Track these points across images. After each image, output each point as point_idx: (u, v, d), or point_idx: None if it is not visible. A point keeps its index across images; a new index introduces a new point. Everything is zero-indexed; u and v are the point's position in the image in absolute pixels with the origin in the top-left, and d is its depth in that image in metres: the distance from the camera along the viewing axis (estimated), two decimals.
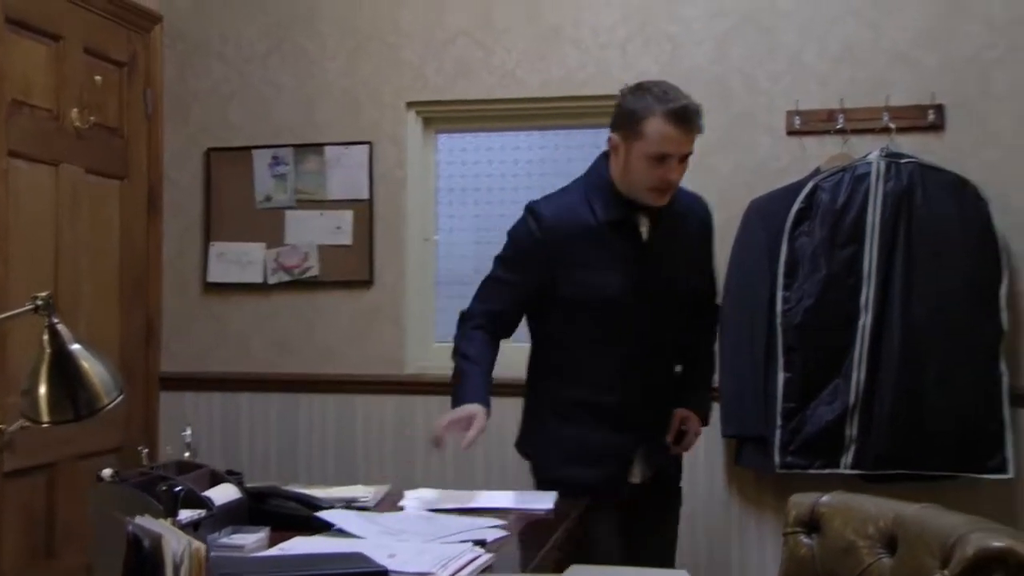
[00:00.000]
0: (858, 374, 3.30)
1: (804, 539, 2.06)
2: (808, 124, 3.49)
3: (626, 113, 2.56)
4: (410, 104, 3.86)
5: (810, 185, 3.37)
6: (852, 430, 3.29)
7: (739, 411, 3.45)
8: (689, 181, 3.49)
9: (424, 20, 3.83)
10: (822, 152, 3.47)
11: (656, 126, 2.49)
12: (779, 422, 3.35)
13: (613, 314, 2.62)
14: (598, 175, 2.68)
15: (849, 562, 1.96)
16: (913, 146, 3.37)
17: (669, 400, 2.79)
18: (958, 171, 3.29)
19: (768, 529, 3.52)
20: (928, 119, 3.39)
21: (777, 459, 3.35)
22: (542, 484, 2.70)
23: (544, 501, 2.55)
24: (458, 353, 2.69)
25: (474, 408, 2.53)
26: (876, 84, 3.44)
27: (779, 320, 3.37)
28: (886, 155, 3.33)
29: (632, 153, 2.55)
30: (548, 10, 3.74)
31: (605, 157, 2.69)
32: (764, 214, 3.46)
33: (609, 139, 2.63)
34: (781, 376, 3.37)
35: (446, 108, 3.87)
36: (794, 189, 3.41)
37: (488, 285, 2.76)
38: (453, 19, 3.81)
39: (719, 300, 3.01)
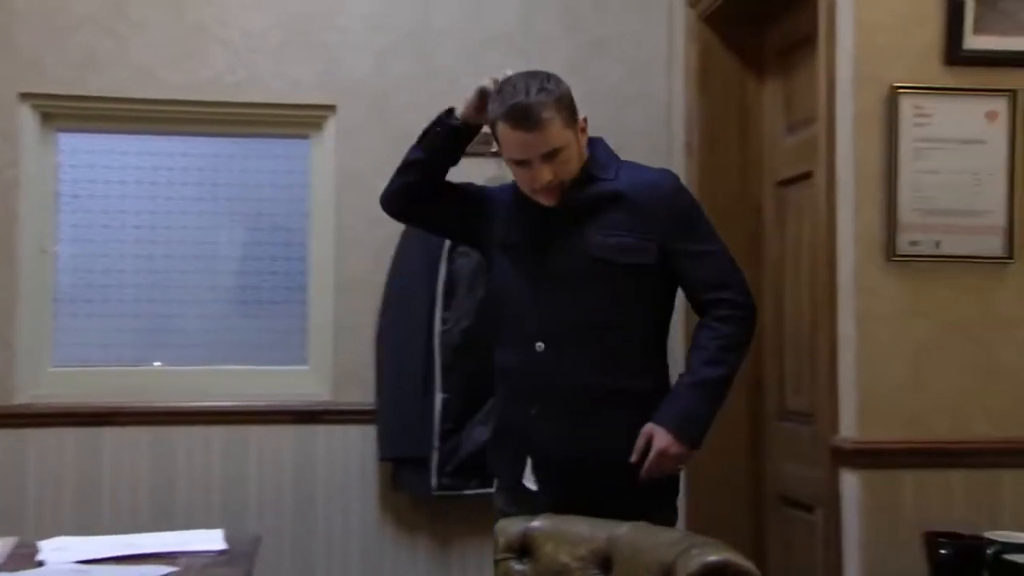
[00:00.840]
0: None
1: (516, 565, 2.04)
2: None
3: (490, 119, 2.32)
4: (24, 96, 3.41)
5: None
6: None
7: (397, 432, 3.39)
8: (349, 198, 3.43)
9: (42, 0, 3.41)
10: (479, 172, 3.50)
11: (502, 132, 2.26)
12: (436, 443, 3.34)
13: (512, 267, 2.37)
14: None
15: None
16: None
17: (607, 404, 2.26)
18: None
19: (423, 554, 3.48)
20: None
21: (434, 481, 3.33)
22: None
23: (213, 541, 2.34)
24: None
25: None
26: None
27: (437, 340, 3.36)
28: None
29: (505, 162, 2.35)
30: (192, 5, 3.47)
31: None
32: (423, 233, 3.43)
33: None
34: (439, 397, 3.35)
35: (69, 104, 3.46)
36: None
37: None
38: (78, 2, 3.42)
39: (723, 295, 2.28)
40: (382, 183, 3.44)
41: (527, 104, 2.20)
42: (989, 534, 2.19)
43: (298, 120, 3.56)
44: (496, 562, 2.05)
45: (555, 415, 2.26)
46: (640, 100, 3.60)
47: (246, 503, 3.41)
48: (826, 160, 2.44)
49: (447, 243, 3.38)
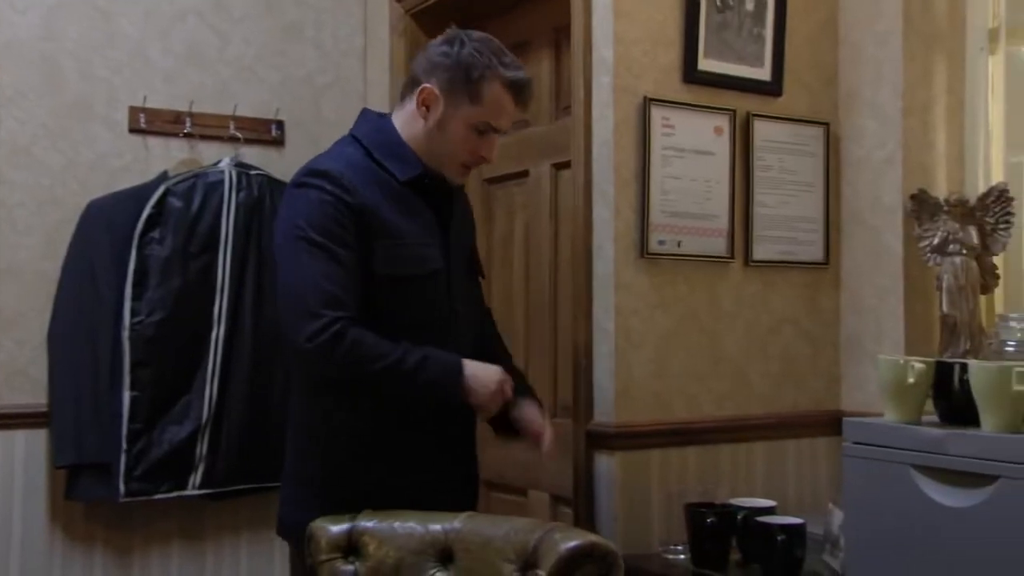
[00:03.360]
0: (210, 389, 3.17)
1: (343, 566, 1.96)
2: (154, 124, 3.25)
3: (458, 67, 2.08)
4: None
5: (161, 190, 3.15)
6: (203, 448, 3.16)
7: (76, 437, 3.07)
8: (13, 174, 3.01)
9: None
10: (168, 155, 3.27)
11: (496, 93, 2.07)
12: (124, 446, 3.07)
13: (432, 291, 2.13)
14: (381, 134, 2.14)
15: None
16: (258, 158, 3.37)
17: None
18: None
19: (99, 567, 3.17)
20: (272, 134, 3.42)
21: (122, 487, 3.06)
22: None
23: None
24: (372, 361, 2.00)
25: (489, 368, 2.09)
26: (224, 92, 3.35)
27: (127, 334, 3.08)
28: (237, 165, 3.27)
29: (456, 116, 2.10)
30: None
31: (380, 117, 2.21)
32: (109, 217, 3.13)
33: (423, 90, 2.12)
34: (127, 395, 3.08)
35: None
36: (142, 192, 3.16)
37: (322, 271, 2.02)
38: None
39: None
40: (55, 158, 3.12)
41: (529, 81, 2.14)
42: (735, 501, 2.48)
43: None
44: (319, 563, 1.96)
45: None
46: (336, 88, 3.55)
47: None
48: (584, 162, 2.60)
49: (137, 229, 3.11)
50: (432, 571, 1.94)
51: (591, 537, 1.87)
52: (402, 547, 1.96)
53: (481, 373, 2.08)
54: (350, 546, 1.98)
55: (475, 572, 1.90)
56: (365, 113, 2.29)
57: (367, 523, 1.99)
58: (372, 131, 2.18)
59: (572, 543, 1.83)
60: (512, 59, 2.12)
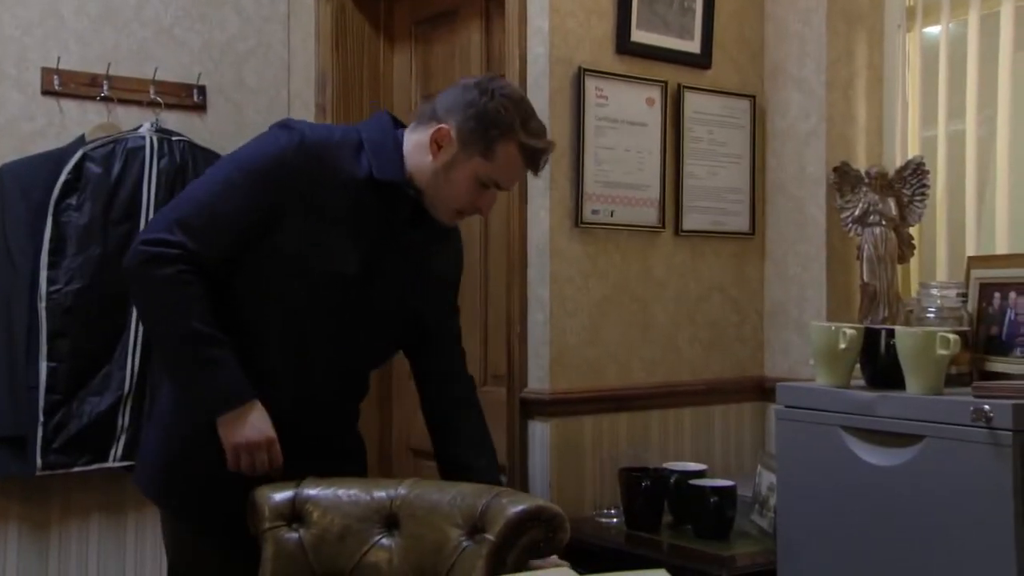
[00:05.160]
0: (132, 360, 3.10)
1: (287, 533, 1.95)
2: (69, 86, 3.14)
3: (481, 118, 1.98)
4: None
5: (78, 155, 3.06)
6: (124, 420, 3.09)
7: None
8: None
9: None
10: (84, 119, 3.17)
11: (510, 155, 1.99)
12: (41, 418, 2.99)
13: (331, 296, 2.02)
14: (383, 135, 2.05)
15: (348, 546, 1.93)
16: (179, 123, 3.29)
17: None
18: (220, 153, 3.31)
19: (14, 542, 3.09)
20: (193, 99, 3.34)
21: (39, 460, 2.98)
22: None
23: None
24: (181, 310, 1.94)
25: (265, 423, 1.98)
26: (143, 55, 3.26)
27: (43, 303, 3.00)
28: (157, 130, 3.19)
29: (465, 165, 2.00)
30: None
31: (394, 125, 2.09)
32: (23, 183, 3.02)
33: (439, 130, 2.01)
34: (44, 366, 3.00)
35: None
36: (58, 157, 3.06)
37: (204, 206, 1.98)
38: None
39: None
40: None
41: (546, 150, 2.05)
42: (667, 465, 2.54)
43: None
44: (264, 532, 1.95)
45: None
46: (257, 54, 3.48)
47: None
48: None
49: (53, 195, 3.02)
50: (378, 537, 1.94)
51: (538, 501, 1.90)
52: (347, 514, 1.96)
53: (251, 424, 1.96)
54: (294, 514, 1.96)
55: (421, 538, 1.91)
56: (380, 114, 2.18)
57: (310, 491, 1.98)
58: (375, 128, 2.09)
59: (520, 507, 1.85)
60: (538, 125, 2.04)
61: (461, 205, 2.05)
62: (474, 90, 2.00)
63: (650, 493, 2.44)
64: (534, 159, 2.03)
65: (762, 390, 2.87)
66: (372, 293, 2.05)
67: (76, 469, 3.04)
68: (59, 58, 3.13)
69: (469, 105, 1.99)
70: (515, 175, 2.07)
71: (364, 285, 2.03)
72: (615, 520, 2.51)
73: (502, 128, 1.98)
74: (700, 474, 2.50)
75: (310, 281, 2.00)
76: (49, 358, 3.00)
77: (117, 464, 3.10)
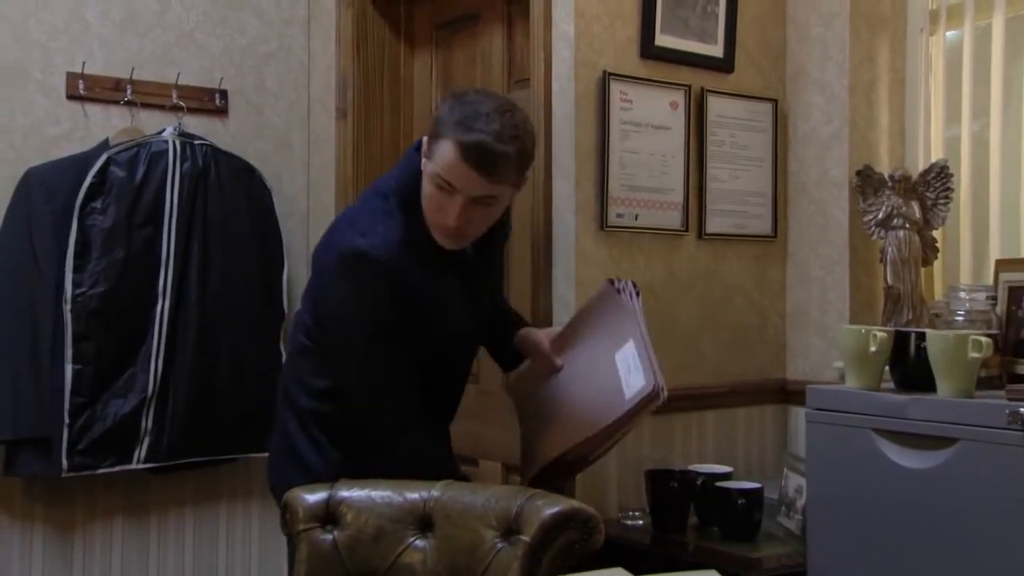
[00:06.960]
0: (155, 363, 3.12)
1: (322, 535, 1.97)
2: (93, 91, 3.16)
3: (432, 123, 2.09)
4: None
5: (103, 158, 3.08)
6: (148, 422, 3.11)
7: (14, 411, 2.99)
8: None
9: None
10: (108, 123, 3.19)
11: (446, 150, 2.04)
12: (67, 420, 3.01)
13: (462, 346, 2.35)
14: (415, 181, 2.16)
15: (382, 547, 1.94)
16: (202, 128, 3.32)
17: None
18: (242, 157, 3.33)
19: (40, 543, 3.11)
20: (215, 103, 3.36)
21: (64, 461, 3.00)
22: None
23: None
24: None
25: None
26: (166, 60, 3.28)
27: (68, 306, 3.02)
28: (180, 134, 3.21)
29: (426, 170, 2.09)
30: None
31: (418, 151, 2.15)
32: (48, 187, 3.04)
33: (422, 139, 2.14)
34: (70, 368, 3.02)
35: None
36: (83, 161, 3.08)
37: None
38: None
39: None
40: None
41: (492, 151, 2.01)
42: (693, 467, 2.55)
43: None
44: (299, 533, 1.96)
45: None
46: (278, 58, 3.50)
47: None
48: (544, 135, 2.62)
49: (79, 198, 3.03)
50: (412, 539, 1.96)
51: (573, 503, 1.91)
52: (381, 515, 1.97)
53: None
54: (328, 515, 1.98)
55: (456, 539, 1.93)
56: (410, 154, 2.21)
57: (344, 492, 2.00)
58: (407, 179, 2.16)
59: (555, 508, 1.86)
60: (486, 125, 2.01)
61: (435, 218, 2.10)
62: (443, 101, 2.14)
63: (677, 495, 2.45)
64: (469, 153, 2.00)
65: (784, 392, 2.88)
66: (475, 330, 2.32)
67: (100, 471, 3.06)
68: (84, 63, 3.15)
69: (434, 113, 2.15)
70: (457, 172, 2.03)
71: (472, 328, 2.29)
72: (640, 522, 2.52)
73: (442, 126, 2.05)
74: (726, 476, 2.51)
75: (441, 345, 2.24)
76: (75, 360, 3.02)
77: (141, 466, 3.11)
